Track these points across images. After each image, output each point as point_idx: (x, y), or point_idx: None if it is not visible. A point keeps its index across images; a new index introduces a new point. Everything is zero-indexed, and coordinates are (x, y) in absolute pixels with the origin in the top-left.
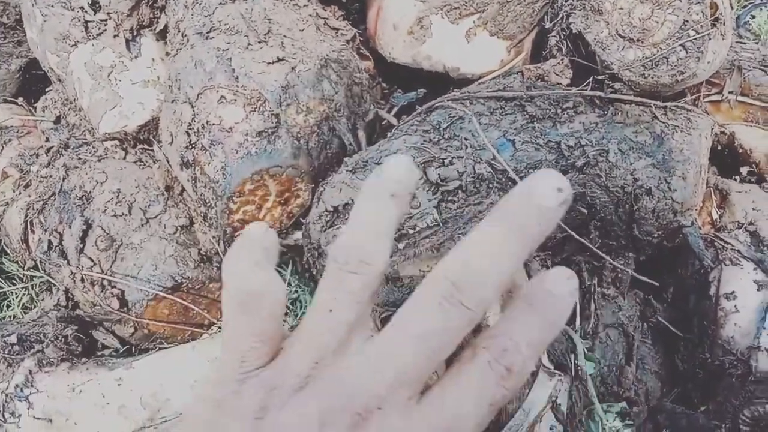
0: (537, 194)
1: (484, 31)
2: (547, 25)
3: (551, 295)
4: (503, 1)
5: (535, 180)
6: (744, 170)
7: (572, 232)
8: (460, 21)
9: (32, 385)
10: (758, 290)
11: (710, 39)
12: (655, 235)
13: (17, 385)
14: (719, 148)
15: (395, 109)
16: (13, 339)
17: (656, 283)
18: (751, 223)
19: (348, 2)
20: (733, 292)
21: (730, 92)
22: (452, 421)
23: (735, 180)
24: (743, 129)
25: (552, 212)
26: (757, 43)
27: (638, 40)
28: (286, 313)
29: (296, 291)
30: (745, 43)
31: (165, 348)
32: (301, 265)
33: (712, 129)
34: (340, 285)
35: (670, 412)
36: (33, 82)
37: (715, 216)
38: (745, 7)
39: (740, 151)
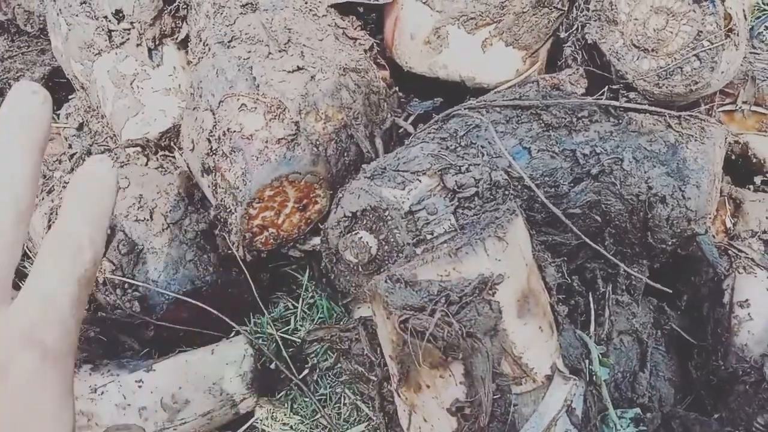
0: (23, 101)
1: (500, 41)
2: (562, 35)
3: (89, 176)
4: (519, 12)
5: (14, 92)
6: (758, 179)
7: (587, 239)
8: (477, 31)
9: None
10: None
11: (724, 49)
12: (669, 243)
13: None
14: (733, 157)
15: (412, 118)
16: None
17: (669, 291)
18: (765, 232)
19: (365, 12)
20: (747, 300)
21: (743, 102)
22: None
23: (749, 189)
24: (757, 139)
25: (39, 110)
26: None
27: (653, 50)
28: (303, 318)
29: (313, 296)
30: (759, 54)
31: (184, 351)
32: (317, 270)
33: (725, 138)
34: None
35: (683, 418)
36: (55, 90)
37: (728, 224)
38: (759, 18)
39: (754, 160)
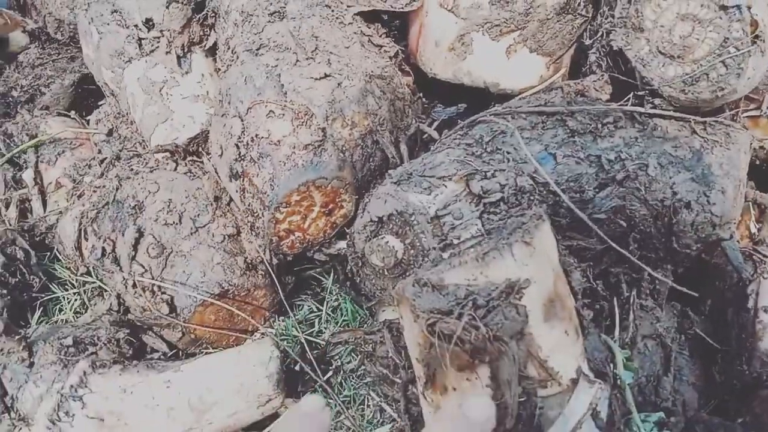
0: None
1: (524, 48)
2: (587, 41)
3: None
4: (543, 19)
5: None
6: None
7: (612, 243)
8: (501, 38)
9: (86, 386)
10: None
11: (750, 56)
12: (694, 248)
13: (72, 386)
14: (758, 162)
15: (436, 123)
16: (69, 341)
17: (695, 294)
18: None
19: (390, 20)
20: None
21: None
22: None
23: None
24: None
25: None
26: None
27: (679, 57)
28: (327, 320)
29: (337, 299)
30: None
31: (211, 352)
32: (342, 273)
33: (750, 144)
34: None
35: (707, 423)
36: (85, 96)
37: (753, 230)
38: None
39: None
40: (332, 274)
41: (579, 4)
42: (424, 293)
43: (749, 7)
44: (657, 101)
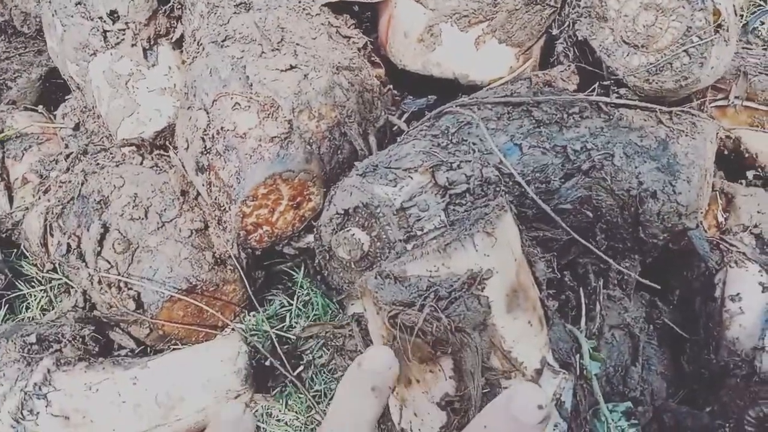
0: (517, 409)
1: (493, 39)
2: (555, 32)
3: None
4: (511, 9)
5: (516, 393)
6: (750, 174)
7: (578, 237)
8: (470, 29)
9: (50, 384)
10: (763, 292)
11: (714, 45)
12: (661, 238)
13: (36, 384)
14: (725, 152)
15: (406, 115)
16: (33, 339)
17: (658, 287)
18: (756, 226)
19: (360, 11)
20: (738, 294)
21: (736, 97)
22: None
23: (741, 184)
24: (749, 133)
25: (531, 429)
26: (765, 49)
27: (642, 47)
28: (298, 315)
29: (308, 293)
30: (751, 49)
31: (179, 348)
32: (312, 267)
33: (717, 133)
34: None
35: (675, 411)
36: (52, 90)
37: (720, 219)
38: (754, 13)
39: (746, 155)
40: (303, 268)
41: None
42: (386, 285)
43: None
44: (622, 91)
